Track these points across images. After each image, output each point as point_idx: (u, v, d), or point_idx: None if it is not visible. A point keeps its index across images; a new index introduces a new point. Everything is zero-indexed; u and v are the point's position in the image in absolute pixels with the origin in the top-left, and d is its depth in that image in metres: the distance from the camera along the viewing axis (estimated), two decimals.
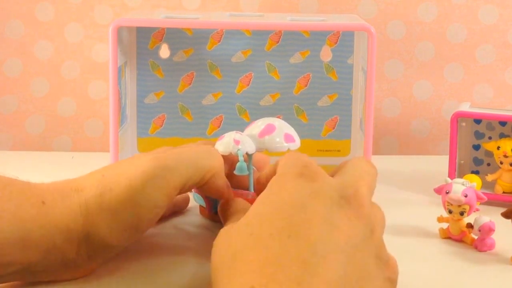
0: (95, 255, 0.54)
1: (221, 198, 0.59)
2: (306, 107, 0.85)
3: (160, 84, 0.85)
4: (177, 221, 0.68)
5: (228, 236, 0.47)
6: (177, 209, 0.70)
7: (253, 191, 0.63)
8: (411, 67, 0.97)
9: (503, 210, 0.62)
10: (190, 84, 0.85)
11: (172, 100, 0.85)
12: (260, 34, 0.84)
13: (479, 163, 0.80)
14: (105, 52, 0.95)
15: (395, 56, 0.97)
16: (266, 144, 0.64)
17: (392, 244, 0.50)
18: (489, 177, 0.76)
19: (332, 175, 0.49)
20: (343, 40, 0.84)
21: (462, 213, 0.64)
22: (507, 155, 0.74)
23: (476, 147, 0.80)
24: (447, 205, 0.64)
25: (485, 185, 0.76)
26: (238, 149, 0.61)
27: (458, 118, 0.76)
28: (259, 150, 0.64)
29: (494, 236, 0.62)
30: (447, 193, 0.64)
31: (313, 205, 0.44)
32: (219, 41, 0.84)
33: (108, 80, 0.76)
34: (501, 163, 0.75)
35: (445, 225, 0.66)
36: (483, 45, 0.97)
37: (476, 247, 0.63)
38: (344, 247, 0.43)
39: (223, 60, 0.85)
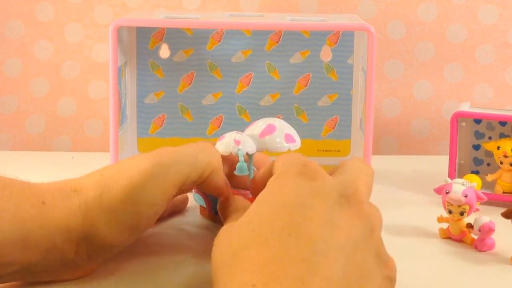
0: (95, 255, 0.54)
1: (221, 195, 0.59)
2: (306, 107, 0.85)
3: (160, 84, 0.85)
4: (177, 221, 0.68)
5: (229, 235, 0.47)
6: (176, 210, 0.70)
7: None
8: (411, 67, 0.97)
9: (503, 210, 0.62)
10: (190, 84, 0.85)
11: (172, 100, 0.85)
12: (260, 34, 0.84)
13: (479, 163, 0.80)
14: (105, 52, 0.95)
15: (395, 56, 0.97)
16: (266, 144, 0.63)
17: (392, 244, 0.50)
18: (489, 177, 0.76)
19: (330, 175, 0.49)
20: (343, 40, 0.84)
21: (462, 213, 0.64)
22: (507, 155, 0.74)
23: (476, 147, 0.80)
24: (447, 205, 0.64)
25: (485, 185, 0.76)
26: (239, 149, 0.61)
27: (458, 118, 0.76)
28: (259, 150, 0.64)
29: (494, 236, 0.62)
30: (447, 193, 0.64)
31: (314, 204, 0.45)
32: (219, 41, 0.84)
33: (108, 80, 0.76)
34: (501, 163, 0.75)
35: (445, 225, 0.66)
36: (483, 45, 0.97)
37: (476, 247, 0.63)
38: (345, 246, 0.43)
39: (223, 60, 0.84)
